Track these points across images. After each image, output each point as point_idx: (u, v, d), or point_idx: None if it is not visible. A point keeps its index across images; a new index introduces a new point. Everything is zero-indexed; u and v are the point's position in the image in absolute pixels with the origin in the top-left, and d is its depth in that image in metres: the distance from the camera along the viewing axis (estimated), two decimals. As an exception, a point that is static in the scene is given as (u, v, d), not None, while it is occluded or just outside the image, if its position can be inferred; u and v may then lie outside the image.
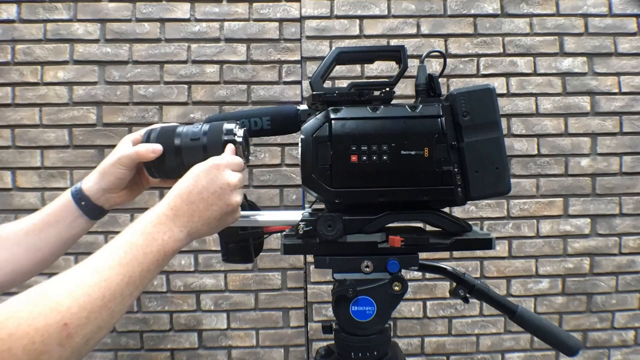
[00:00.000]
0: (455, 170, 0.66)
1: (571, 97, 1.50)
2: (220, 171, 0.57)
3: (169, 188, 0.58)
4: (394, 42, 1.48)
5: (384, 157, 0.64)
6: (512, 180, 1.53)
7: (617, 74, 1.49)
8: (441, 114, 0.65)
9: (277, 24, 1.46)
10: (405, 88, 1.38)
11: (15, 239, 0.62)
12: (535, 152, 1.49)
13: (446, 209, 0.70)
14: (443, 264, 0.78)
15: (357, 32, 1.47)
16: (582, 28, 1.49)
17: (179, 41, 1.45)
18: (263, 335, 1.48)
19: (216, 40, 1.46)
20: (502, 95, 1.49)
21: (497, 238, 1.50)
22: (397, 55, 0.71)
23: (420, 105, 0.67)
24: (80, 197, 0.65)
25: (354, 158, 0.64)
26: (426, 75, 0.69)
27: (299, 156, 0.66)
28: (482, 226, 1.50)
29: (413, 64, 0.71)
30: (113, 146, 0.65)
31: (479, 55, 1.49)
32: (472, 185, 0.65)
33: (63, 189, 0.68)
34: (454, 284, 0.75)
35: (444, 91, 0.71)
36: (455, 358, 1.51)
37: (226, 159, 0.59)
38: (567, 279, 1.51)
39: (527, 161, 1.49)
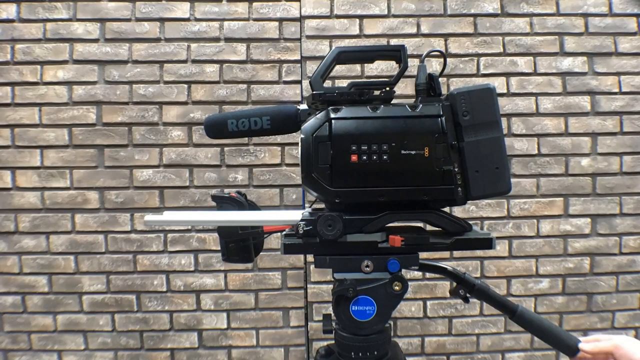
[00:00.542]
0: (455, 169, 0.65)
1: (571, 97, 1.50)
2: None
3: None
4: (394, 41, 1.47)
5: (384, 157, 0.64)
6: (513, 180, 1.53)
7: (618, 74, 1.49)
8: (441, 113, 0.65)
9: (277, 23, 1.46)
10: (405, 88, 1.38)
11: None
12: (536, 151, 1.49)
13: (446, 209, 0.70)
14: (443, 264, 0.78)
15: (357, 32, 1.47)
16: (582, 28, 1.49)
17: (179, 41, 1.45)
18: (263, 335, 1.48)
19: (216, 39, 1.46)
20: (502, 95, 1.49)
21: (498, 238, 1.50)
22: (397, 54, 0.70)
23: (421, 105, 0.66)
24: None
25: (354, 157, 0.64)
26: (426, 74, 0.69)
27: (299, 156, 0.66)
28: (483, 226, 1.49)
29: (413, 64, 0.71)
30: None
31: (479, 55, 1.49)
32: (472, 185, 0.65)
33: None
34: (454, 284, 0.75)
35: (444, 91, 0.70)
36: (456, 358, 1.51)
37: None
38: (567, 279, 1.51)
39: (528, 161, 1.49)
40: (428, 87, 0.69)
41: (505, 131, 1.49)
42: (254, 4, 1.46)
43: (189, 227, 1.44)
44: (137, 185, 1.43)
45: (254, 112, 0.74)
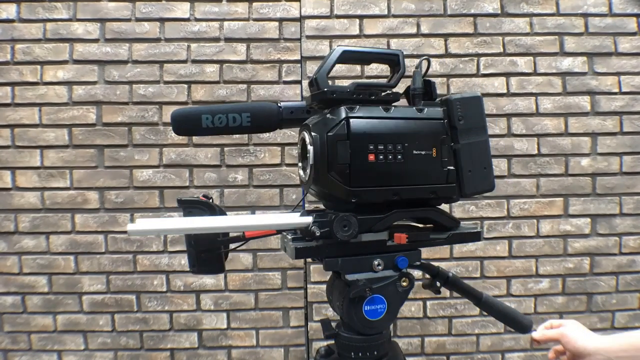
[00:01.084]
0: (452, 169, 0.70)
1: (571, 97, 1.50)
2: None
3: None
4: (394, 41, 1.47)
5: (399, 157, 0.66)
6: (513, 180, 1.54)
7: (617, 74, 1.49)
8: (443, 117, 0.69)
9: (276, 23, 1.46)
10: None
11: None
12: (536, 151, 1.49)
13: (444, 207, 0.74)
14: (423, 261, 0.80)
15: (357, 32, 1.47)
16: (582, 28, 1.49)
17: (179, 41, 1.45)
18: (263, 335, 1.48)
19: (216, 39, 1.46)
20: (502, 95, 1.49)
21: (497, 238, 1.50)
22: (396, 59, 0.72)
23: (426, 108, 0.69)
24: None
25: (371, 157, 0.65)
26: (421, 80, 0.73)
27: (310, 155, 0.65)
28: (482, 226, 1.49)
29: (409, 65, 0.73)
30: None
31: (479, 55, 1.49)
32: (466, 183, 0.70)
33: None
34: (430, 277, 0.79)
35: (444, 91, 0.73)
36: (455, 358, 1.51)
37: None
38: (567, 279, 1.51)
39: (527, 161, 1.49)
40: (423, 92, 0.73)
41: (505, 131, 1.49)
42: (254, 4, 1.46)
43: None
44: (137, 185, 1.43)
45: (233, 108, 0.71)
